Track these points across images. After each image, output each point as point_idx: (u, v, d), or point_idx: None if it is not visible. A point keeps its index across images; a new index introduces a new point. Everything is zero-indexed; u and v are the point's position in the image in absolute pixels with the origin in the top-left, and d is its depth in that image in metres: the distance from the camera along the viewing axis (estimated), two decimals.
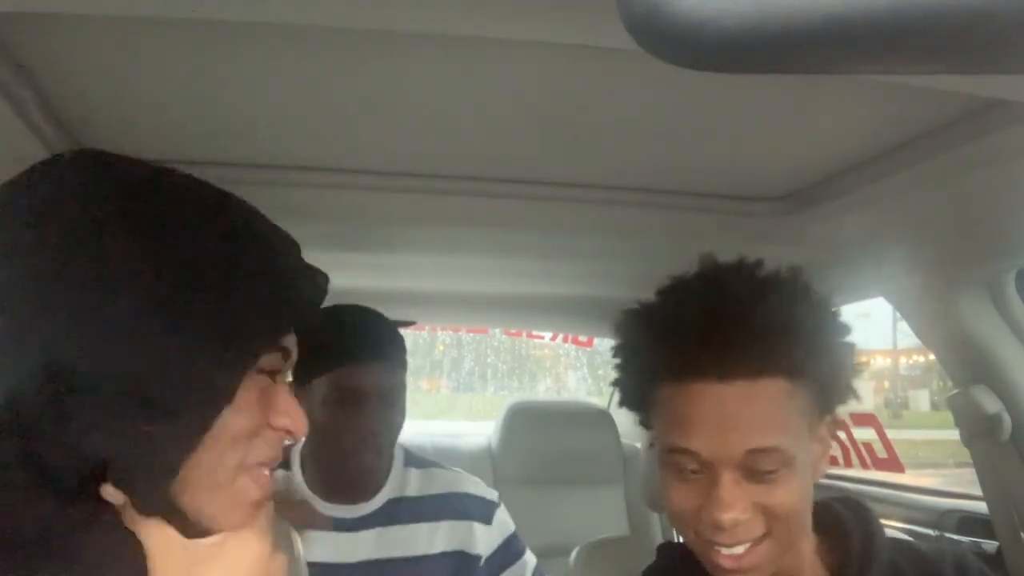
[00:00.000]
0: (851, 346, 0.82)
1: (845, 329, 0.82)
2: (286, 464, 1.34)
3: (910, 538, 1.00)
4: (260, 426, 0.60)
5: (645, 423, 0.87)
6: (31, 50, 0.77)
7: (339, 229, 1.34)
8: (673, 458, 0.78)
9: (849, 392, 0.83)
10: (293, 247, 0.64)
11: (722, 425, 0.75)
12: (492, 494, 1.43)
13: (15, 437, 0.52)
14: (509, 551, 1.40)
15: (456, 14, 0.64)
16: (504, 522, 1.42)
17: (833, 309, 0.82)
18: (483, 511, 1.39)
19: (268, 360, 0.60)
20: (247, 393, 0.58)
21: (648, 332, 0.83)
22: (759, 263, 0.83)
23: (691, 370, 0.77)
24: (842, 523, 0.87)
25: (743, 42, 0.24)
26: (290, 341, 0.63)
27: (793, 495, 0.77)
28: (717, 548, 0.77)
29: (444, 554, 1.33)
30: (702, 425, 0.76)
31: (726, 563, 0.77)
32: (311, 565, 0.87)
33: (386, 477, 1.36)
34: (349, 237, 1.39)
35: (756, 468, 0.75)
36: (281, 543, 0.64)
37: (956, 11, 0.23)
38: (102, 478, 0.54)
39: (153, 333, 0.53)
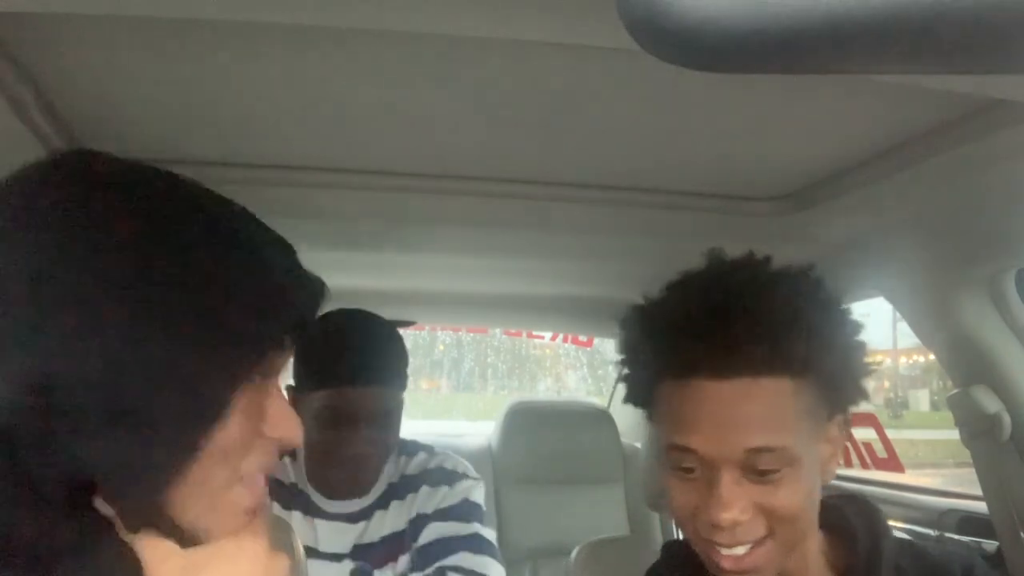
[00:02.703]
0: (861, 344, 0.80)
1: (855, 327, 0.80)
2: (291, 453, 1.35)
3: (910, 538, 0.99)
4: (253, 436, 0.59)
5: (650, 419, 0.86)
6: (31, 50, 0.77)
7: (340, 229, 1.34)
8: (673, 456, 0.78)
9: (859, 392, 0.81)
10: (288, 253, 0.62)
11: (721, 423, 0.74)
12: (469, 470, 1.42)
13: (3, 451, 0.50)
14: (458, 511, 1.36)
15: (455, 14, 0.64)
16: (466, 490, 1.39)
17: (843, 307, 0.80)
18: (446, 477, 1.38)
19: (259, 371, 0.59)
20: (240, 406, 0.56)
21: (650, 328, 0.82)
22: (767, 259, 0.81)
23: (691, 367, 0.75)
24: (849, 523, 0.85)
25: (743, 42, 0.24)
26: (282, 352, 0.61)
27: (796, 496, 0.75)
28: (717, 548, 0.76)
29: (409, 521, 1.34)
30: (701, 423, 0.75)
31: (726, 564, 0.76)
32: (311, 552, 0.87)
33: (380, 474, 1.37)
34: (349, 237, 1.39)
35: (757, 468, 0.74)
36: (281, 541, 0.64)
37: (956, 11, 0.23)
38: (93, 491, 0.53)
39: (140, 347, 0.51)
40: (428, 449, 1.45)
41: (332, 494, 1.33)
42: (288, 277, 0.61)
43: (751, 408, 0.74)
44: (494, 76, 0.83)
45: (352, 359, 1.25)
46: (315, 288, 0.63)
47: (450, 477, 1.38)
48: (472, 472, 1.43)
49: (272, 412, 0.60)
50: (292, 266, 0.62)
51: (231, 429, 0.56)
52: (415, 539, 1.32)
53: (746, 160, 1.09)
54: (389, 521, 1.35)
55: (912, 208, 1.09)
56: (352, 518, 1.34)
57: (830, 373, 0.77)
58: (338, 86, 0.86)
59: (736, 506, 0.74)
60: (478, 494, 1.41)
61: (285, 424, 0.61)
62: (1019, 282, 1.24)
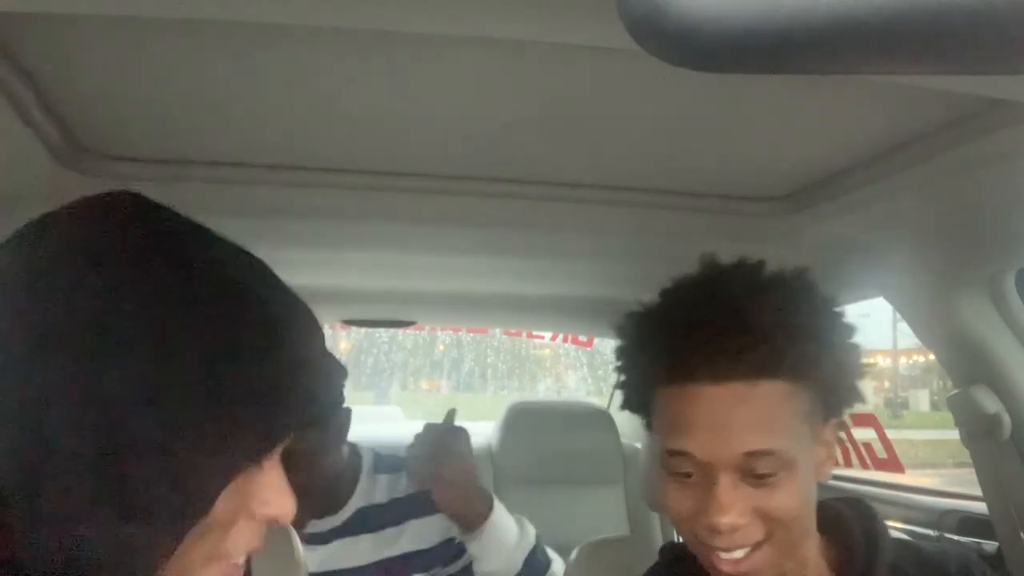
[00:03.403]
0: (856, 347, 0.81)
1: (850, 330, 0.81)
2: None
3: (911, 539, 0.99)
4: (239, 517, 0.55)
5: (648, 426, 0.86)
6: (31, 50, 0.77)
7: (339, 229, 1.34)
8: (671, 461, 0.78)
9: (855, 394, 0.82)
10: (316, 337, 0.57)
11: (718, 427, 0.74)
12: None
13: None
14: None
15: (455, 14, 0.64)
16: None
17: (837, 310, 0.81)
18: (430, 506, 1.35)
19: (263, 459, 0.55)
20: (228, 489, 0.52)
21: (645, 334, 0.82)
22: (761, 263, 0.82)
23: (686, 373, 0.76)
24: (846, 524, 0.86)
25: (743, 42, 0.24)
26: (289, 439, 0.56)
27: (793, 499, 0.76)
28: (716, 552, 0.76)
29: (410, 554, 1.31)
30: (698, 428, 0.75)
31: (725, 567, 0.76)
32: None
33: (353, 488, 1.34)
34: (349, 236, 1.39)
35: (754, 471, 0.74)
36: (280, 542, 0.62)
37: (956, 12, 0.23)
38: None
39: (138, 427, 0.48)
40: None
41: (301, 510, 1.30)
42: (313, 368, 0.56)
43: (747, 412, 0.74)
44: (494, 76, 0.83)
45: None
46: (336, 377, 0.58)
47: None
48: None
49: (264, 490, 0.56)
50: (318, 354, 0.57)
51: (216, 513, 0.52)
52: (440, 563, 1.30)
53: (746, 160, 1.09)
54: (389, 544, 1.31)
55: (912, 208, 1.09)
56: (324, 538, 1.30)
57: (825, 376, 0.77)
58: (338, 86, 0.86)
59: (734, 510, 0.74)
60: None
61: (276, 502, 0.57)
62: (1019, 282, 1.24)
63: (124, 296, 0.49)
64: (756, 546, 0.76)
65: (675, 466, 0.78)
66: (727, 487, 0.74)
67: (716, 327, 0.75)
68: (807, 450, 0.77)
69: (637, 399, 0.86)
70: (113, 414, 0.47)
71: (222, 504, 0.52)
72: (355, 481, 1.35)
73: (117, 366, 0.48)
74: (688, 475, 0.77)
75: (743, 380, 0.74)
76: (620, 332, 0.86)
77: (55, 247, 0.51)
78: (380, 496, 1.35)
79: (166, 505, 0.49)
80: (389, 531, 1.32)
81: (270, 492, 0.56)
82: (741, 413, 0.74)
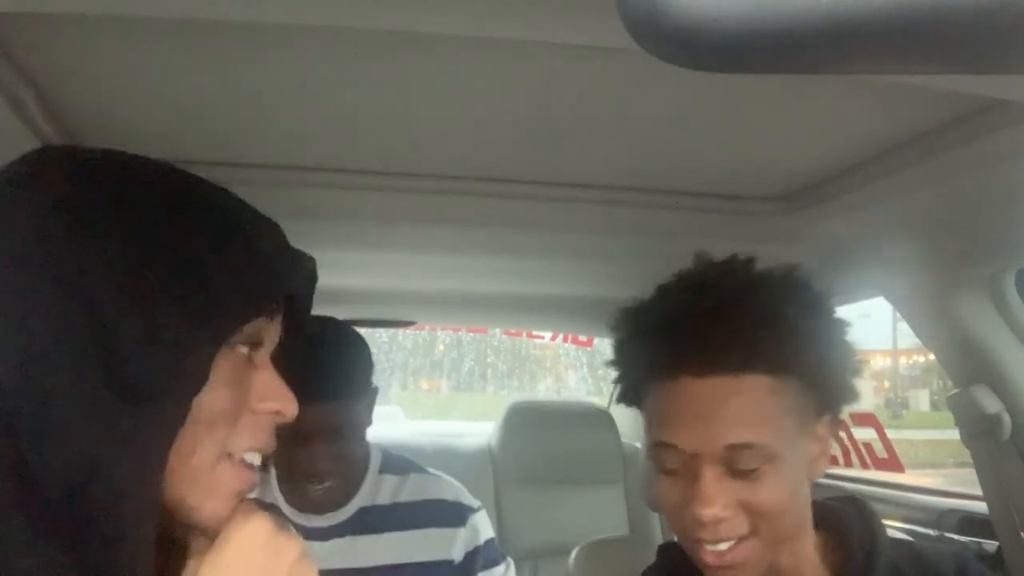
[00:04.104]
0: (848, 344, 0.82)
1: (841, 326, 0.82)
2: (264, 467, 1.32)
3: (911, 538, 1.00)
4: (239, 409, 0.58)
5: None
6: (31, 50, 0.77)
7: (340, 229, 1.34)
8: (658, 453, 0.80)
9: (848, 391, 0.82)
10: (275, 230, 0.62)
11: (702, 420, 0.76)
12: (470, 499, 1.39)
13: (3, 439, 0.50)
14: (481, 558, 1.36)
15: (454, 14, 0.64)
16: (478, 528, 1.37)
17: (827, 306, 0.82)
18: (456, 516, 1.35)
19: (244, 339, 0.58)
20: (222, 373, 0.56)
21: (636, 329, 0.84)
22: (751, 260, 0.83)
23: (673, 366, 0.78)
24: (845, 523, 0.86)
25: (743, 42, 0.24)
26: (266, 323, 0.60)
27: (779, 494, 0.76)
28: (702, 544, 0.78)
29: (414, 564, 1.30)
30: (683, 420, 0.77)
31: (709, 559, 0.78)
32: None
33: (358, 486, 1.33)
34: (349, 237, 1.39)
35: (737, 465, 0.75)
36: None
37: (956, 11, 0.23)
38: (88, 484, 0.50)
39: (127, 317, 0.51)
40: (417, 468, 1.40)
41: (303, 508, 1.30)
42: (274, 250, 0.61)
43: (731, 406, 0.75)
44: (493, 77, 0.83)
45: (299, 373, 1.16)
46: (303, 262, 0.63)
47: (458, 514, 1.34)
48: (467, 498, 1.39)
49: (261, 384, 0.60)
50: (278, 241, 0.62)
51: (215, 397, 0.55)
52: None
53: (746, 160, 1.09)
54: (387, 550, 1.29)
55: (912, 208, 1.09)
56: (324, 534, 1.29)
57: (812, 372, 0.78)
58: (336, 86, 0.86)
59: (718, 502, 0.75)
60: (483, 522, 1.38)
61: (275, 395, 0.60)
62: (1019, 282, 1.24)
63: (99, 210, 0.54)
64: (741, 539, 0.77)
65: (663, 459, 0.79)
66: (711, 480, 0.76)
67: (701, 323, 0.77)
68: (794, 445, 0.78)
69: (632, 394, 0.87)
70: (100, 314, 0.51)
71: (220, 392, 0.55)
72: (362, 478, 1.33)
73: (95, 272, 0.52)
74: (674, 468, 0.78)
75: (726, 374, 0.75)
76: (615, 327, 0.88)
77: (25, 180, 0.55)
78: (383, 497, 1.33)
79: (165, 384, 0.52)
80: (389, 535, 1.30)
81: (267, 387, 0.60)
82: (725, 407, 0.75)
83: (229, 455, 0.58)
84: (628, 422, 2.38)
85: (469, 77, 0.83)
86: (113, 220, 0.54)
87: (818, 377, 0.79)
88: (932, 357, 1.39)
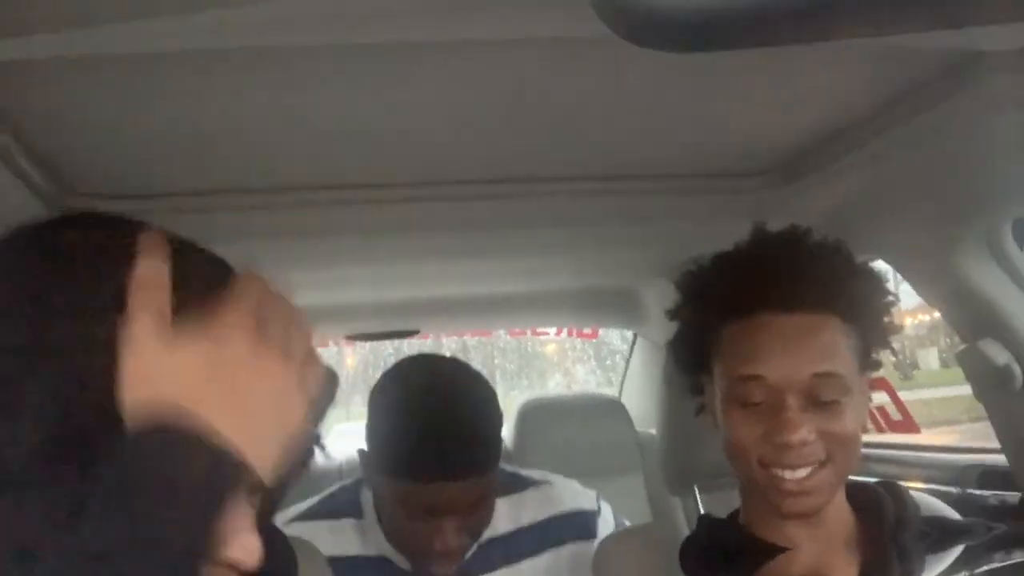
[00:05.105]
0: (894, 299, 0.91)
1: (887, 290, 0.92)
2: (358, 512, 1.15)
3: (936, 514, 1.01)
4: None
5: (695, 387, 0.94)
6: (11, 95, 0.77)
7: (336, 245, 1.33)
8: (740, 389, 0.84)
9: (886, 344, 0.91)
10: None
11: (788, 352, 0.82)
12: (588, 499, 1.28)
13: None
14: None
15: (431, 20, 0.64)
16: (607, 526, 1.28)
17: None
18: (584, 528, 1.24)
19: None
20: None
21: (714, 277, 0.91)
22: (808, 229, 0.91)
23: (759, 303, 0.84)
24: (877, 496, 0.92)
25: (711, 21, 0.24)
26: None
27: (852, 424, 0.83)
28: (781, 474, 0.82)
29: None
30: (770, 352, 0.83)
31: (790, 486, 0.82)
32: None
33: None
34: (346, 252, 1.39)
35: (818, 396, 0.81)
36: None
37: None
38: None
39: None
40: (526, 482, 1.24)
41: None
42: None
43: (813, 339, 0.83)
44: (476, 77, 0.83)
45: (424, 452, 0.99)
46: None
47: (586, 525, 1.23)
48: (587, 499, 1.28)
49: (229, 532, 0.46)
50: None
51: None
52: None
53: (731, 137, 1.09)
54: None
55: (901, 168, 1.09)
56: None
57: (870, 321, 0.88)
58: (320, 103, 0.87)
59: (804, 427, 0.81)
60: (607, 519, 1.29)
61: (240, 547, 0.47)
62: (1016, 232, 1.24)
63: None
64: (819, 465, 0.82)
65: (746, 393, 0.84)
66: (796, 408, 0.81)
67: (784, 262, 0.85)
68: (858, 384, 0.86)
69: (698, 345, 0.92)
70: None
71: None
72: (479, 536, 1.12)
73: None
74: (757, 401, 0.83)
75: (807, 311, 0.83)
76: (680, 285, 0.94)
77: None
78: (503, 525, 1.17)
79: None
80: (523, 566, 1.16)
81: (234, 535, 0.47)
82: (809, 339, 0.82)
83: None
84: (639, 410, 2.38)
85: (445, 81, 0.83)
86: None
87: (872, 326, 0.88)
88: (937, 315, 1.39)
